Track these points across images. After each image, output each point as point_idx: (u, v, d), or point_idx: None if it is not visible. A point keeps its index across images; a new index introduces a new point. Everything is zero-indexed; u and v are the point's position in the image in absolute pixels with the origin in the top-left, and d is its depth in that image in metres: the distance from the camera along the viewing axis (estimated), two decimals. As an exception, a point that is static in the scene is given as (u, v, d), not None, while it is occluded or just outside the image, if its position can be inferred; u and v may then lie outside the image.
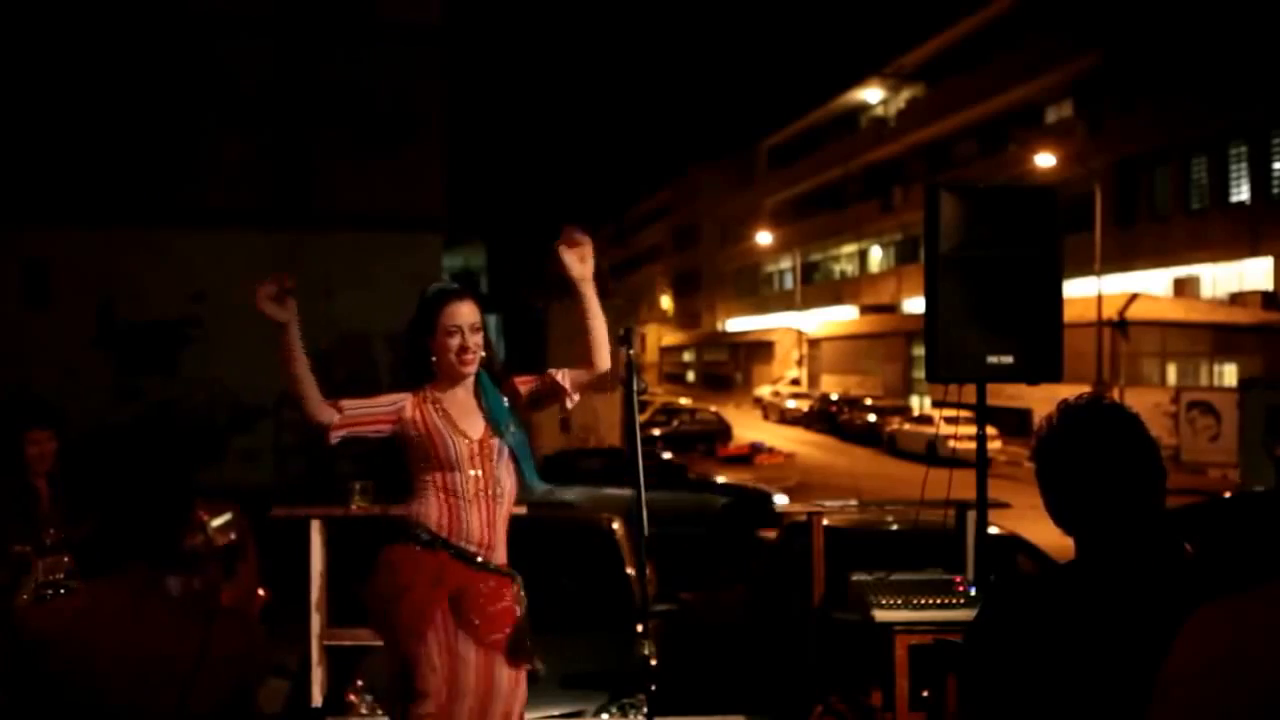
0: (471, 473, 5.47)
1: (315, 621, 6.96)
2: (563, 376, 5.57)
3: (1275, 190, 42.16)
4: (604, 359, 5.47)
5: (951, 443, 7.29)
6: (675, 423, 47.67)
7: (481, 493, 5.47)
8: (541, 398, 5.71)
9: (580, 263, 5.40)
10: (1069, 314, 7.73)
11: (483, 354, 5.56)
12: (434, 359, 5.54)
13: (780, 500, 22.56)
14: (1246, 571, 2.80)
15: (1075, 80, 52.16)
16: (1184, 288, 46.27)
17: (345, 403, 5.46)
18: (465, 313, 5.50)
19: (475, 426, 5.52)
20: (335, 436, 5.44)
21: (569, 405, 5.67)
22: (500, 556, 5.54)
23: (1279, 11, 37.95)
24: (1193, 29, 43.05)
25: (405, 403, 5.55)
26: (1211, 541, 10.93)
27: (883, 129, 74.11)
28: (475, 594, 5.43)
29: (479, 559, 5.46)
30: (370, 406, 5.52)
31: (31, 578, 6.10)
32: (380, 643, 5.62)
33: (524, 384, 5.70)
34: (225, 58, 22.29)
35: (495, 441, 5.50)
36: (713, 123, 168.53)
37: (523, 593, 5.57)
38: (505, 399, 5.58)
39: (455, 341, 5.47)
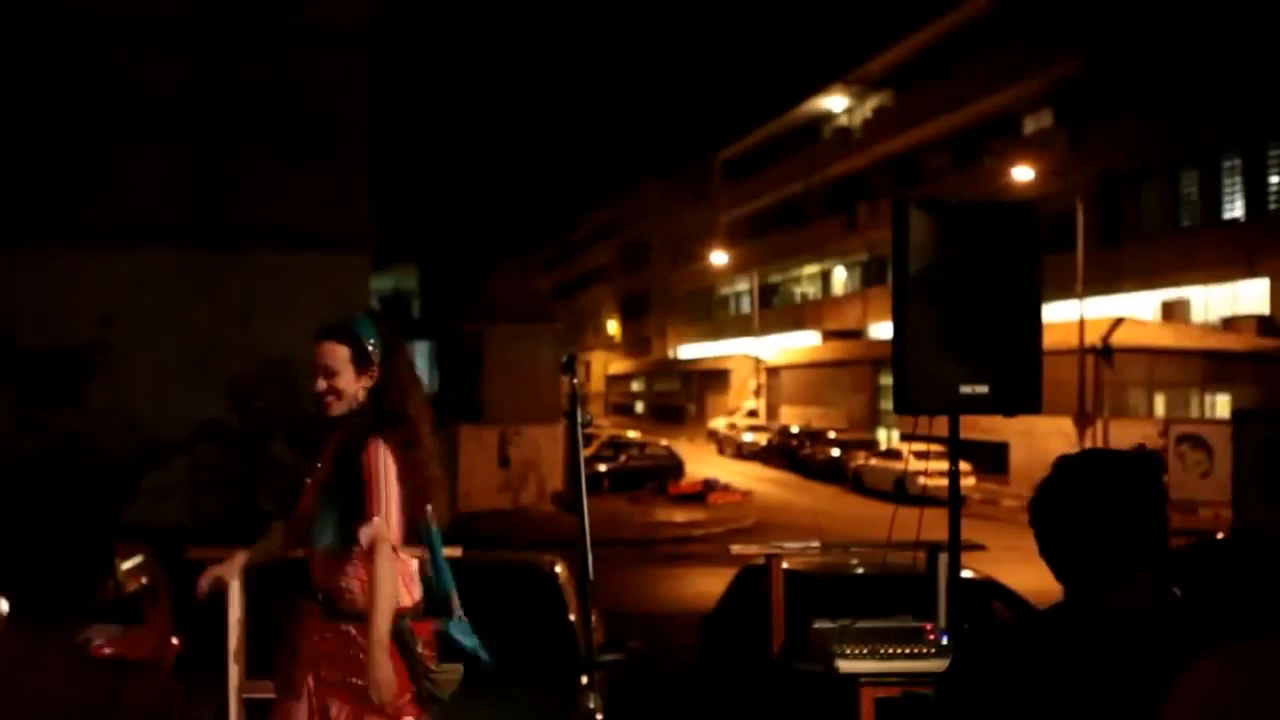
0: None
1: (234, 673, 6.92)
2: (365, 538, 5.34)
3: (1272, 206, 42.42)
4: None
5: (922, 479, 7.34)
6: (623, 458, 47.65)
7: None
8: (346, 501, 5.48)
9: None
10: (1049, 340, 7.77)
11: (347, 397, 5.55)
12: None
13: None
14: (1240, 618, 2.83)
15: (1055, 87, 52.35)
16: (1173, 311, 46.45)
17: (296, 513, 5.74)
18: (319, 353, 5.53)
19: (320, 469, 5.63)
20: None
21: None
22: (337, 603, 5.55)
23: (1276, 14, 38.17)
24: (1182, 32, 43.20)
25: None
26: (1203, 585, 11.01)
27: (847, 140, 74.37)
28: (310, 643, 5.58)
29: (323, 604, 5.57)
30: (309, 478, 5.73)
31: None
32: None
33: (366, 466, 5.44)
34: (135, 64, 22.20)
35: (316, 488, 5.58)
36: (664, 134, 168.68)
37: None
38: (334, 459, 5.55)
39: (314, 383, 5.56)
